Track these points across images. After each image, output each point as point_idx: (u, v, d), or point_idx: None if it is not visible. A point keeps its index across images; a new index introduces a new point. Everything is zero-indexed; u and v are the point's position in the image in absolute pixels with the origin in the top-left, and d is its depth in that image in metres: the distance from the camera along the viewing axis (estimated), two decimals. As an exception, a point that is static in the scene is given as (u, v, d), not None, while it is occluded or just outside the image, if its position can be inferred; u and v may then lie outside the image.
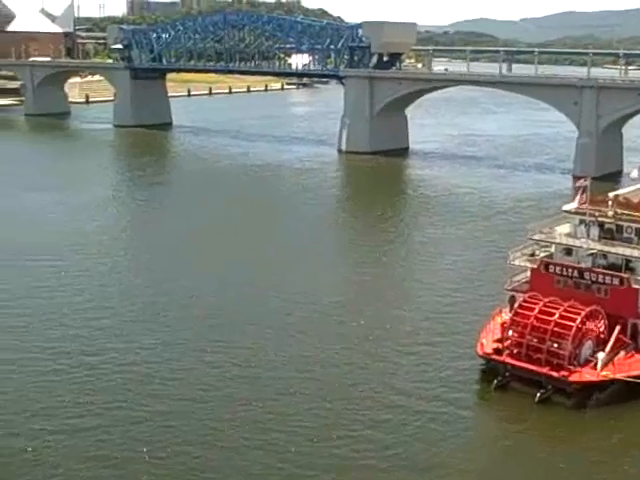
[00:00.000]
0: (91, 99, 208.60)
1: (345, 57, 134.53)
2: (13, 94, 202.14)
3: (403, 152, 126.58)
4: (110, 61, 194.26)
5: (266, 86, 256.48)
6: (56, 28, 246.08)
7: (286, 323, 50.59)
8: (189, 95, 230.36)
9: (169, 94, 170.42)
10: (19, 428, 37.14)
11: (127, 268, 62.88)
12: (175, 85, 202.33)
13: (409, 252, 70.30)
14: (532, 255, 49.50)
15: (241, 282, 58.43)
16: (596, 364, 42.21)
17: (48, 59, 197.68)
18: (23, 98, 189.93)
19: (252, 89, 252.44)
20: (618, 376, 41.49)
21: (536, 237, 49.64)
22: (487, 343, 44.88)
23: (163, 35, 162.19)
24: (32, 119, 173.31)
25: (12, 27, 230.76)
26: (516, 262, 49.29)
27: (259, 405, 39.59)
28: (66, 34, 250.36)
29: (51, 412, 38.65)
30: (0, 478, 33.82)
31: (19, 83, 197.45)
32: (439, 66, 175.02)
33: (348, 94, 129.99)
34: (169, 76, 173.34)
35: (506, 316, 46.41)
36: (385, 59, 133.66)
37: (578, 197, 48.98)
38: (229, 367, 43.94)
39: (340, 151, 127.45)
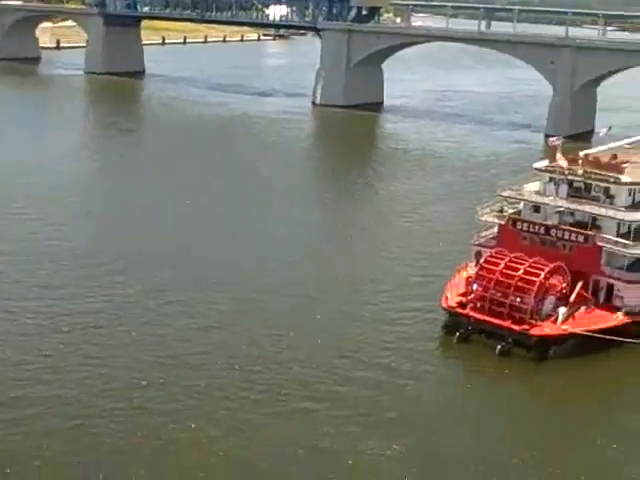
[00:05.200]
0: (62, 44, 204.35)
1: (324, 9, 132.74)
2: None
3: (378, 106, 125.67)
4: (83, 7, 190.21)
5: (242, 36, 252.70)
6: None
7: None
8: (163, 43, 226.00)
9: (143, 42, 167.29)
10: None
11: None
12: (149, 33, 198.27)
13: (380, 206, 70.42)
14: (500, 211, 49.82)
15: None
16: (557, 318, 42.86)
17: (19, 3, 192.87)
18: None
19: (228, 39, 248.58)
20: (577, 330, 42.17)
21: (505, 194, 49.89)
22: (451, 297, 45.31)
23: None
24: (1, 63, 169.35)
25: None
26: (484, 218, 49.60)
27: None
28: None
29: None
30: None
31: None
32: (418, 22, 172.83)
33: (325, 47, 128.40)
34: (143, 23, 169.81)
35: (472, 271, 46.78)
36: (364, 12, 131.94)
37: (558, 155, 48.63)
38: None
39: (314, 104, 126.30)
